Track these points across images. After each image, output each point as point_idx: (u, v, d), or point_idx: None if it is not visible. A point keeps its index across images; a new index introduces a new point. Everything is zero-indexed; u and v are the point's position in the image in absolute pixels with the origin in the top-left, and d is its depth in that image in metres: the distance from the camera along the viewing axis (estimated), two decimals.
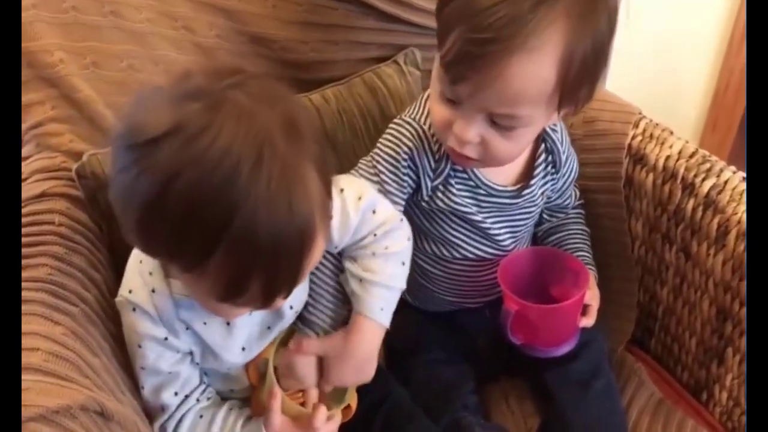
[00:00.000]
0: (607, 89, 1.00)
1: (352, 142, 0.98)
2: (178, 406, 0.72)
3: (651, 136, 0.91)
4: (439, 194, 0.84)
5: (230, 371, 0.76)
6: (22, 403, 0.57)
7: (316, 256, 0.60)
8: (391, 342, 0.94)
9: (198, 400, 0.74)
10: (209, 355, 0.73)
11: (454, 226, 0.86)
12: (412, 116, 0.83)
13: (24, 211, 0.78)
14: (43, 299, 0.68)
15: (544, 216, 0.95)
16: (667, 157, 0.88)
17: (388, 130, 0.84)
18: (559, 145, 0.86)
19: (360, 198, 0.76)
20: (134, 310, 0.69)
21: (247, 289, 0.56)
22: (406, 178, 0.82)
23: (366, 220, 0.76)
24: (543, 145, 0.86)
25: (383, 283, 0.76)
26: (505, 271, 0.85)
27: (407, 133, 0.82)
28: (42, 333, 0.65)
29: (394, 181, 0.82)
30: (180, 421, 0.73)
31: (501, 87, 0.66)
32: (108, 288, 0.77)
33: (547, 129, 0.85)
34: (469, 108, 0.70)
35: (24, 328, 0.65)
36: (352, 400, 0.77)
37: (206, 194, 0.52)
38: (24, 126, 0.86)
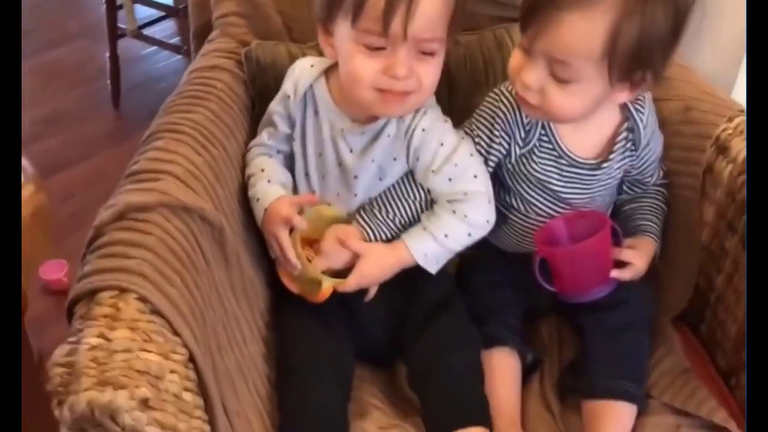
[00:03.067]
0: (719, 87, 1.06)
1: (471, 88, 1.11)
2: (264, 144, 0.97)
3: (741, 131, 0.96)
4: (525, 161, 0.96)
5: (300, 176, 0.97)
6: (161, 191, 0.79)
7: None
8: (463, 261, 1.08)
9: (278, 152, 0.98)
10: (302, 137, 0.94)
11: (533, 188, 0.97)
12: (508, 88, 0.95)
13: (199, 75, 1.01)
14: (195, 136, 0.90)
15: (625, 187, 1.04)
16: None
17: (486, 100, 0.97)
18: (641, 125, 0.95)
19: (472, 155, 0.92)
20: (294, 69, 0.95)
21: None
22: (497, 144, 0.94)
23: (466, 177, 0.91)
24: (626, 124, 0.95)
25: (441, 240, 0.89)
26: (548, 233, 0.96)
27: (503, 105, 0.94)
28: (186, 155, 0.86)
29: (487, 145, 0.95)
30: (260, 154, 0.97)
31: (555, 36, 0.80)
32: (246, 146, 0.98)
33: (631, 108, 0.94)
34: (533, 55, 0.84)
35: (176, 149, 0.86)
36: (326, 288, 0.88)
37: None
38: (214, 15, 1.09)
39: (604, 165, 0.95)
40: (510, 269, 1.03)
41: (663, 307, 1.02)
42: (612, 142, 0.96)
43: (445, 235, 0.90)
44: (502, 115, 0.94)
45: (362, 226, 0.93)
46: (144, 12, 2.44)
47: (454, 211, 0.90)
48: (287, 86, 0.94)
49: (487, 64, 1.12)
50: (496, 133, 0.94)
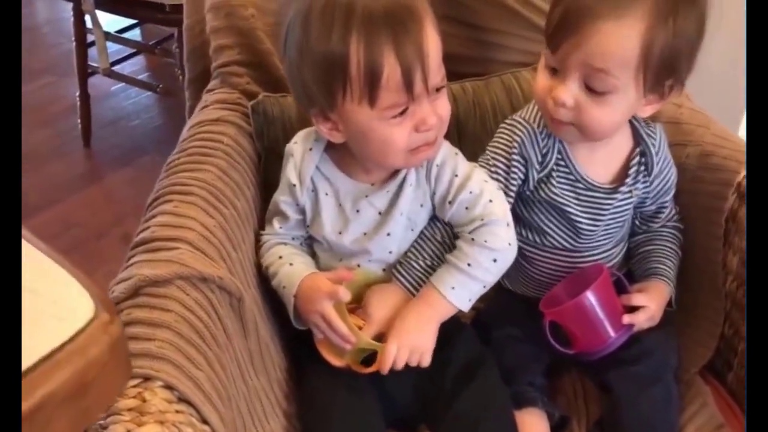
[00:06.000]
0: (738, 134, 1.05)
1: (480, 134, 1.08)
2: (277, 233, 0.92)
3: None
4: (543, 185, 0.94)
5: (327, 258, 0.92)
6: (178, 261, 0.73)
7: (431, 41, 0.77)
8: (479, 316, 1.05)
9: (293, 239, 0.93)
10: (316, 222, 0.89)
11: (549, 216, 0.95)
12: (522, 116, 0.95)
13: (202, 129, 0.96)
14: (205, 196, 0.84)
15: (637, 224, 1.02)
16: None
17: (500, 128, 0.96)
18: (652, 149, 0.94)
19: (486, 181, 0.89)
20: (292, 155, 0.89)
21: (382, 66, 0.74)
22: (515, 170, 0.93)
23: (482, 202, 0.87)
24: (638, 149, 0.95)
25: (465, 270, 0.85)
26: (552, 299, 0.95)
27: (518, 130, 0.93)
28: (199, 220, 0.81)
29: (505, 172, 0.93)
30: (274, 244, 0.92)
31: (593, 45, 0.79)
32: (254, 203, 0.93)
33: (643, 134, 0.94)
34: (566, 72, 0.83)
35: (187, 212, 0.81)
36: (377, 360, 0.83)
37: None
38: (214, 64, 1.04)
39: (620, 189, 0.94)
40: (528, 321, 1.00)
41: (689, 357, 1.00)
42: (626, 167, 0.95)
43: (469, 264, 0.86)
44: (518, 139, 0.93)
45: (401, 282, 0.89)
46: (111, 47, 2.37)
47: (473, 239, 0.87)
48: (290, 175, 0.89)
49: (496, 109, 1.10)
50: (514, 158, 0.92)
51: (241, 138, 0.97)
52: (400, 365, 0.84)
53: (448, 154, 0.89)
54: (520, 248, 0.97)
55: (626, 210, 0.97)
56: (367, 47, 0.74)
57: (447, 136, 1.08)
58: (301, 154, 0.89)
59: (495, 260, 0.87)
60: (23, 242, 0.56)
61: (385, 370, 0.83)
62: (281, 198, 0.91)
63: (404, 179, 0.88)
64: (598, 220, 0.95)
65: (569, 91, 0.84)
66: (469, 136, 1.09)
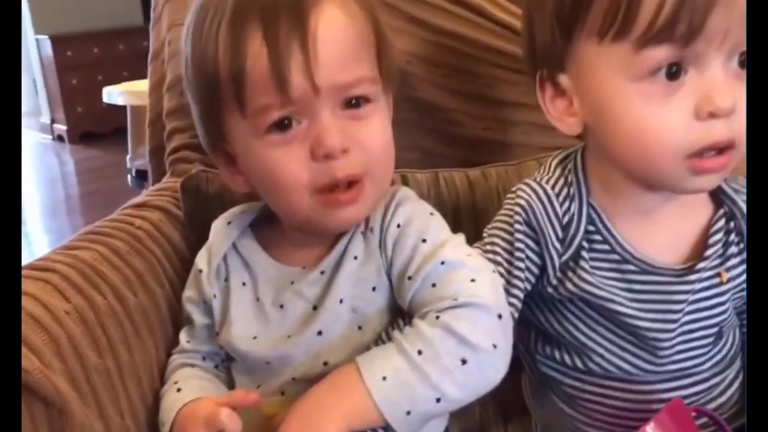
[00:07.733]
0: None
1: None
2: (184, 350, 0.67)
3: None
4: (570, 274, 0.61)
5: (244, 382, 0.64)
6: None
7: (328, 24, 0.55)
8: None
9: (204, 358, 0.66)
10: (226, 326, 0.63)
11: (589, 322, 0.61)
12: (533, 178, 0.64)
13: (118, 214, 0.75)
14: (69, 275, 0.62)
15: None
16: None
17: (504, 203, 0.66)
18: (742, 206, 0.60)
19: (470, 255, 0.59)
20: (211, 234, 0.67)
21: (245, 53, 0.54)
22: (521, 246, 0.61)
23: (459, 279, 0.56)
24: (721, 211, 0.60)
25: (413, 358, 0.53)
26: None
27: (523, 193, 0.62)
28: (42, 300, 0.57)
29: (506, 251, 0.62)
30: (180, 365, 0.66)
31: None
32: (167, 302, 0.69)
33: (727, 190, 0.60)
34: (707, 60, 0.51)
35: (29, 290, 0.58)
36: None
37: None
38: (166, 151, 0.86)
39: (698, 267, 0.59)
40: None
41: None
42: (705, 237, 0.60)
43: (420, 352, 0.53)
44: (523, 203, 0.61)
45: None
46: None
47: (437, 318, 0.54)
48: (199, 258, 0.66)
49: None
50: (518, 228, 0.61)
51: (167, 226, 0.74)
52: None
53: (416, 211, 0.61)
54: (558, 382, 0.65)
55: (717, 306, 0.61)
56: (232, 37, 0.54)
57: (460, 228, 0.78)
58: (216, 229, 0.66)
59: (464, 362, 0.53)
60: None
61: None
62: (187, 294, 0.66)
63: (345, 250, 0.60)
64: (671, 320, 0.60)
65: (727, 82, 0.52)
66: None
